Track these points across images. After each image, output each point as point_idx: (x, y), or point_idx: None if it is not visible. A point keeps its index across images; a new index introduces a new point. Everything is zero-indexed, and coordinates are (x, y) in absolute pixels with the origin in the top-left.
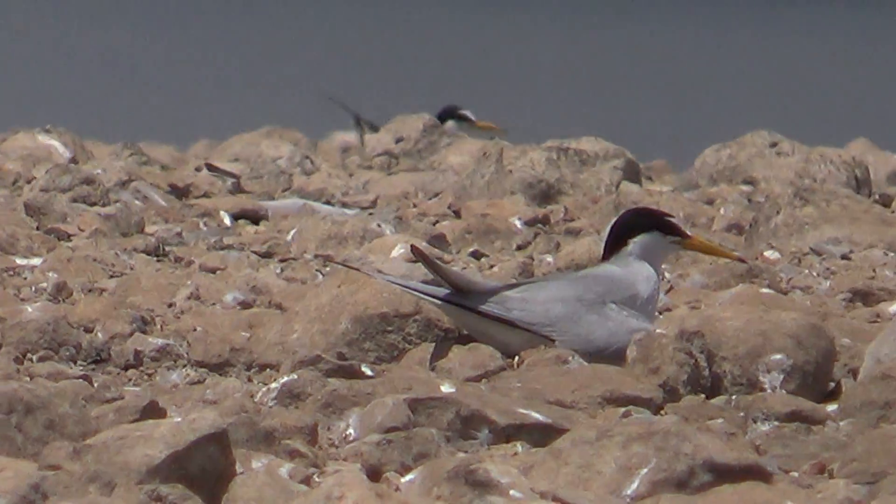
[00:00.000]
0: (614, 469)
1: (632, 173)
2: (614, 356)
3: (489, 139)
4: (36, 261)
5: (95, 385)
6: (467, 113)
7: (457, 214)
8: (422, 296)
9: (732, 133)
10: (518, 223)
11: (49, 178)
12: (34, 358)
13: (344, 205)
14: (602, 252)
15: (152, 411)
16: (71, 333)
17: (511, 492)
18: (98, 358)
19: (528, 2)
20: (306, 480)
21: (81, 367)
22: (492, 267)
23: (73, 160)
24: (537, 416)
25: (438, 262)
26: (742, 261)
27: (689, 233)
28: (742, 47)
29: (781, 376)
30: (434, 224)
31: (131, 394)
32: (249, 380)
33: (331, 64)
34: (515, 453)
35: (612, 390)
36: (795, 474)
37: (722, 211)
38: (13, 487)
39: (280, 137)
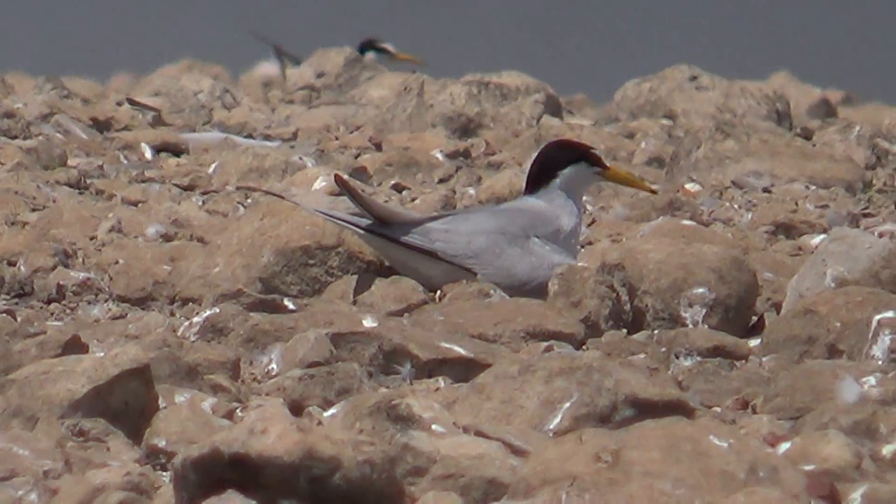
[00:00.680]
0: (537, 404)
1: (553, 107)
2: (536, 290)
3: (410, 72)
4: None
5: (18, 320)
6: (387, 45)
7: (378, 148)
8: (345, 225)
9: (653, 67)
10: (439, 156)
11: None
12: None
13: (266, 138)
14: (525, 184)
15: (75, 346)
16: None
17: (433, 426)
18: (21, 292)
19: None
20: (229, 415)
21: (4, 302)
22: (413, 200)
23: None
24: (460, 350)
25: (361, 192)
26: (652, 192)
27: (607, 164)
28: None
29: (703, 310)
30: (356, 157)
31: (54, 328)
32: (172, 314)
33: None
34: (438, 388)
35: (534, 325)
36: (718, 410)
37: (643, 145)
38: None
39: (201, 71)
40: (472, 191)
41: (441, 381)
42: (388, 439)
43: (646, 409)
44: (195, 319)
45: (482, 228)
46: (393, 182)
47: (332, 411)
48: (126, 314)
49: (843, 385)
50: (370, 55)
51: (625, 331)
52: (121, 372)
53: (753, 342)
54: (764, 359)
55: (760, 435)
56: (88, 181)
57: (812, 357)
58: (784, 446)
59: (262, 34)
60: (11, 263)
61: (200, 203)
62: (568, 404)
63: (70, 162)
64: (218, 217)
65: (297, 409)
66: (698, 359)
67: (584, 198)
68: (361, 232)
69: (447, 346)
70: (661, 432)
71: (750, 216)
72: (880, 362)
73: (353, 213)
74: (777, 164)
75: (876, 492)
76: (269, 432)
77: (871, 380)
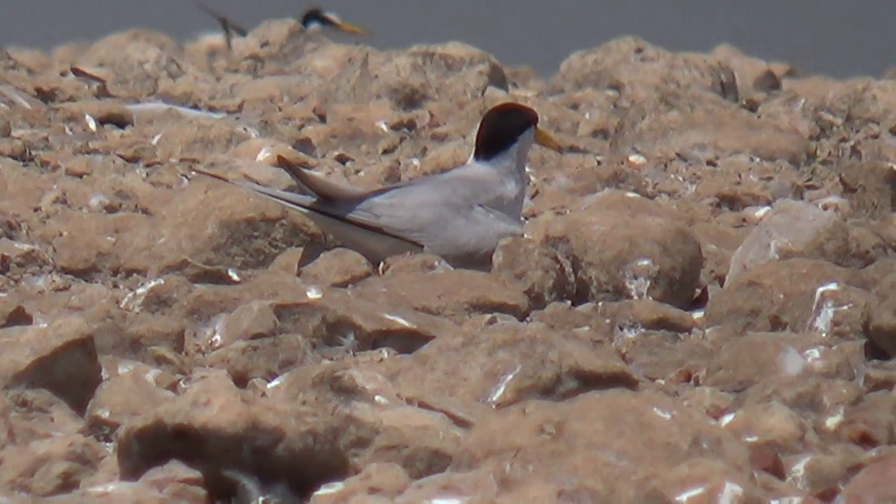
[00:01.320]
0: (480, 375)
1: (497, 78)
2: (484, 259)
3: (354, 44)
4: None
5: None
6: (331, 15)
7: (322, 119)
8: (289, 205)
9: (598, 39)
10: (384, 127)
11: None
12: None
13: (210, 108)
14: (476, 149)
15: (18, 317)
16: None
17: (377, 398)
18: None
19: None
20: (172, 386)
21: None
22: (358, 171)
23: None
24: (403, 322)
25: (304, 170)
26: (558, 148)
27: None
28: None
29: (648, 282)
30: (300, 128)
31: None
32: (115, 286)
33: None
34: (381, 360)
35: (478, 297)
36: (662, 382)
37: (587, 115)
38: None
39: (147, 40)
40: (416, 162)
41: (384, 353)
42: (331, 410)
43: (589, 381)
44: (139, 290)
45: (426, 200)
46: (337, 153)
47: (275, 382)
48: (70, 286)
49: (787, 357)
50: (314, 25)
51: (569, 303)
52: (64, 343)
53: (697, 314)
54: (707, 331)
55: (704, 407)
56: (33, 152)
57: (755, 329)
58: (727, 418)
59: (207, 5)
60: None
61: (145, 175)
62: (511, 376)
63: (14, 133)
64: (162, 189)
65: (240, 380)
66: (642, 331)
67: (528, 168)
68: (306, 211)
69: (391, 317)
70: (605, 404)
71: (694, 188)
72: (823, 334)
73: (296, 189)
74: (721, 135)
75: (819, 463)
76: (212, 403)
77: (815, 352)
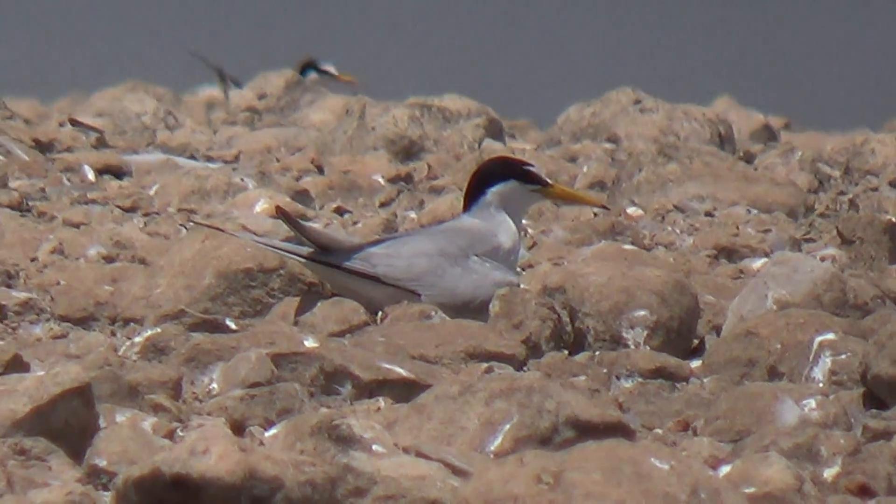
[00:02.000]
0: (477, 425)
1: (495, 131)
2: (480, 308)
3: (352, 94)
4: None
5: None
6: (328, 66)
7: (320, 170)
8: (286, 254)
9: (596, 91)
10: (381, 180)
11: None
12: None
13: (208, 159)
14: (462, 203)
15: (16, 365)
16: None
17: (374, 447)
18: None
19: None
20: (170, 434)
21: None
22: (355, 223)
23: None
24: (401, 371)
25: (301, 221)
26: (604, 207)
27: (549, 181)
28: (605, 5)
29: (645, 332)
30: (297, 180)
31: None
32: (113, 334)
33: (195, 19)
34: (379, 408)
35: (475, 346)
36: (659, 431)
37: (585, 168)
38: None
39: (144, 92)
40: (413, 214)
41: (382, 402)
42: (329, 459)
43: (587, 431)
44: (136, 339)
45: (422, 250)
46: (335, 205)
47: (272, 431)
48: (68, 333)
49: (784, 407)
50: (312, 75)
51: (566, 352)
52: (62, 391)
53: (694, 364)
54: (705, 380)
55: (701, 457)
56: (30, 203)
57: (752, 379)
58: (725, 469)
59: (204, 56)
60: None
61: (142, 225)
62: (508, 425)
63: (11, 183)
64: (160, 238)
65: (238, 428)
66: (639, 380)
67: (525, 221)
68: (303, 260)
69: (388, 366)
70: (603, 454)
71: (692, 240)
72: (820, 384)
73: (293, 239)
74: (719, 187)
75: None
76: (210, 452)
77: (812, 402)
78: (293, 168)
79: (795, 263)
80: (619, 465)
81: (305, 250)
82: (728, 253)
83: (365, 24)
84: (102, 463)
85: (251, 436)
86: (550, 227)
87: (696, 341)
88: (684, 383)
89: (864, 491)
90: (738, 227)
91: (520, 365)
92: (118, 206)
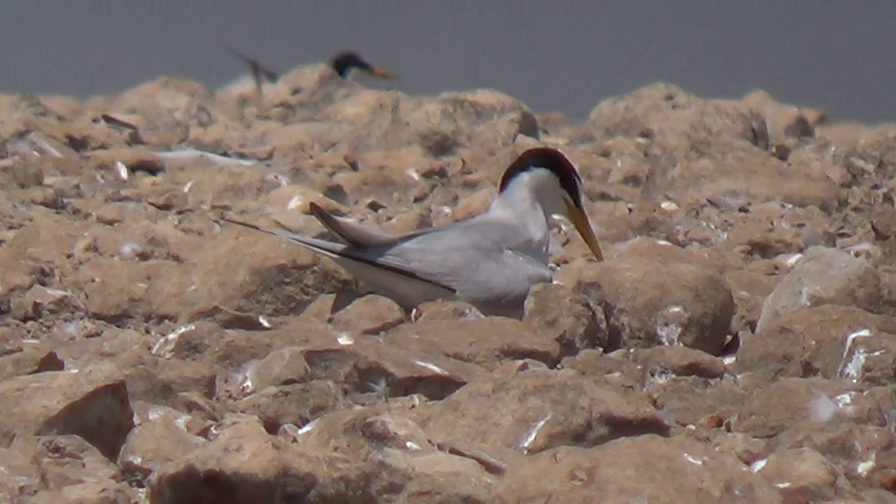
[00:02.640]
0: (511, 422)
1: (528, 126)
2: (514, 303)
3: (385, 90)
4: None
5: None
6: (365, 59)
7: (353, 166)
8: (319, 251)
9: (629, 85)
10: (415, 175)
11: None
12: None
13: (241, 156)
14: (499, 186)
15: (50, 363)
16: None
17: (408, 444)
18: None
19: None
20: (203, 432)
21: None
22: (389, 219)
23: None
24: (435, 368)
25: (335, 216)
26: (599, 258)
27: (580, 201)
28: None
29: (679, 329)
30: (331, 175)
31: (29, 346)
32: (147, 331)
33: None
34: (413, 406)
35: (509, 343)
36: (692, 427)
37: (618, 163)
38: None
39: (177, 88)
40: (448, 210)
41: (416, 399)
42: (363, 456)
43: (620, 427)
44: (170, 336)
45: (456, 245)
46: (369, 201)
47: (306, 428)
48: (102, 332)
49: (818, 403)
50: (354, 70)
51: (600, 349)
52: (95, 389)
53: (728, 360)
54: (738, 377)
55: (735, 453)
56: (64, 200)
57: (787, 375)
58: (759, 464)
59: (238, 50)
60: None
61: (176, 222)
62: (542, 422)
63: (46, 180)
64: (193, 235)
65: (271, 426)
66: (673, 376)
67: (557, 216)
68: (336, 256)
69: (422, 364)
70: (636, 450)
71: (726, 235)
72: (854, 380)
73: (326, 235)
74: (753, 182)
75: None
76: (243, 449)
77: (846, 398)
78: (327, 164)
79: (829, 259)
80: (653, 461)
81: (338, 246)
82: (762, 248)
83: (397, 18)
84: (137, 460)
85: (285, 433)
86: None
87: (729, 337)
88: (718, 379)
89: None
90: (772, 223)
91: (554, 362)
92: (152, 203)
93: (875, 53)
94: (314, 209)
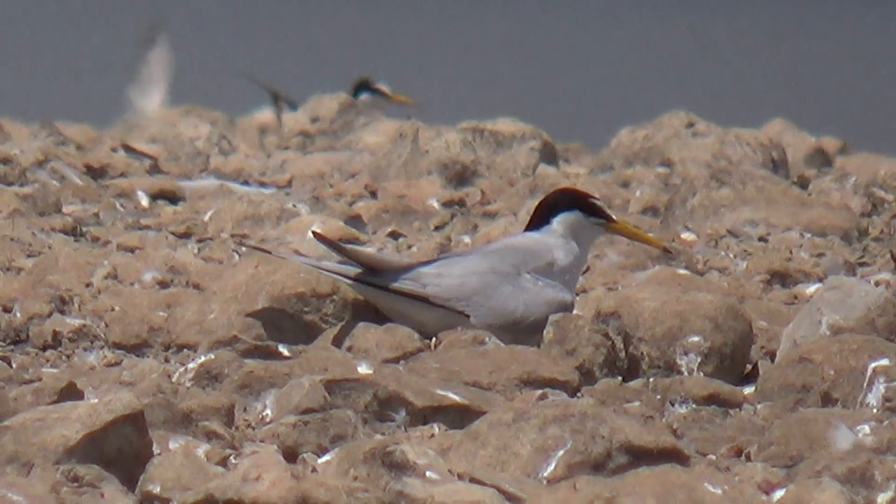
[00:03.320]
0: (531, 451)
1: (548, 155)
2: (532, 328)
3: (405, 118)
4: None
5: (14, 366)
6: (382, 86)
7: (373, 195)
8: (334, 276)
9: (649, 114)
10: (436, 204)
11: None
12: None
13: (261, 184)
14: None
15: (70, 393)
16: None
17: (428, 473)
18: (17, 339)
19: None
20: (223, 461)
21: (0, 348)
22: (410, 247)
23: None
24: (455, 397)
25: (344, 244)
26: (667, 251)
27: (614, 217)
28: (658, 28)
29: (699, 358)
30: (350, 204)
31: (49, 375)
32: (166, 360)
33: (249, 43)
34: (433, 435)
35: (528, 372)
36: (713, 457)
37: (637, 193)
38: None
39: (198, 116)
40: (467, 239)
41: (436, 428)
42: (382, 486)
43: (640, 457)
44: (189, 365)
45: (473, 269)
46: (389, 230)
47: (326, 458)
48: (121, 361)
49: (838, 433)
50: (365, 96)
51: (620, 378)
52: (115, 418)
53: (748, 390)
54: (758, 406)
55: (755, 482)
56: (83, 228)
57: (806, 405)
58: (778, 494)
59: (258, 78)
60: (7, 310)
61: (196, 250)
62: (562, 451)
63: (65, 209)
64: (213, 264)
65: (291, 455)
66: (693, 406)
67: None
68: (350, 281)
69: (442, 393)
70: (656, 480)
71: (745, 264)
72: (875, 410)
73: (343, 262)
74: (773, 212)
75: None
76: (262, 479)
77: (866, 428)
78: (347, 193)
79: (849, 288)
80: (673, 491)
81: (353, 271)
82: (782, 278)
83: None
84: (156, 489)
85: (304, 462)
86: (604, 252)
87: (749, 367)
88: (738, 409)
89: None
90: (791, 252)
91: (573, 391)
92: (172, 232)
93: (894, 83)
94: (319, 238)
